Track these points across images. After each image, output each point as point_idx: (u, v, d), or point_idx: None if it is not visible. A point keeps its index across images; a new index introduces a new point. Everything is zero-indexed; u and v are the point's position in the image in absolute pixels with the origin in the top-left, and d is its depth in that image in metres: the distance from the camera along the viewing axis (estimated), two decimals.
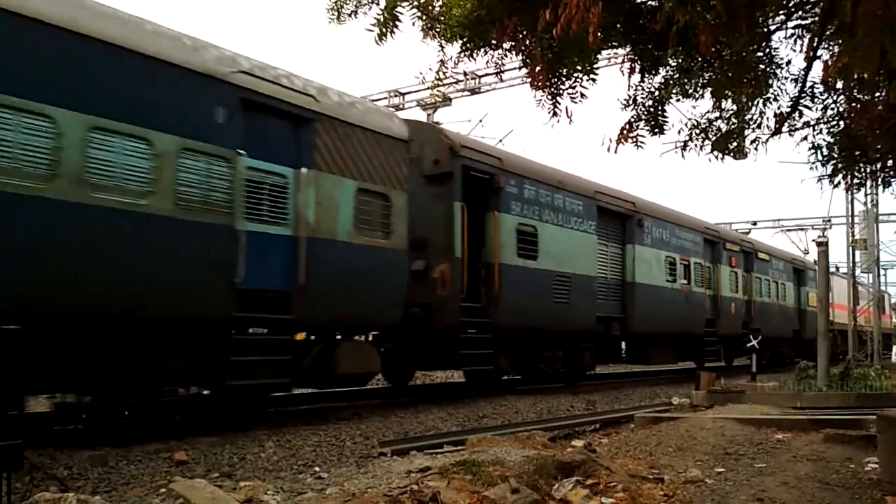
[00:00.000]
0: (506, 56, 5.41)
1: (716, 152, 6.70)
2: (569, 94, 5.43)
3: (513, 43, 5.11)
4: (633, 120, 6.02)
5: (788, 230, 32.48)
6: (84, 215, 6.97)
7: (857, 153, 7.29)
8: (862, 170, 8.57)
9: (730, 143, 6.67)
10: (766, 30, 5.93)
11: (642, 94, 6.06)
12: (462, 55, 5.23)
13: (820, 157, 7.36)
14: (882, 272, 34.11)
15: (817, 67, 6.29)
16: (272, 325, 9.05)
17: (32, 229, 6.71)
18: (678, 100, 6.26)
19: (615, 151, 5.90)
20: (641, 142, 5.95)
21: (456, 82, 22.13)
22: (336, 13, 4.97)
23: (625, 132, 5.93)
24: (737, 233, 23.98)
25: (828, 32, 5.76)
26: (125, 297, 7.44)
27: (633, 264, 16.30)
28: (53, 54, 6.93)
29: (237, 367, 8.44)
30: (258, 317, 8.86)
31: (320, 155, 9.36)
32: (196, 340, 8.36)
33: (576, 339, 14.71)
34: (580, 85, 5.39)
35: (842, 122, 7.02)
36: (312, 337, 9.96)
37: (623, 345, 17.51)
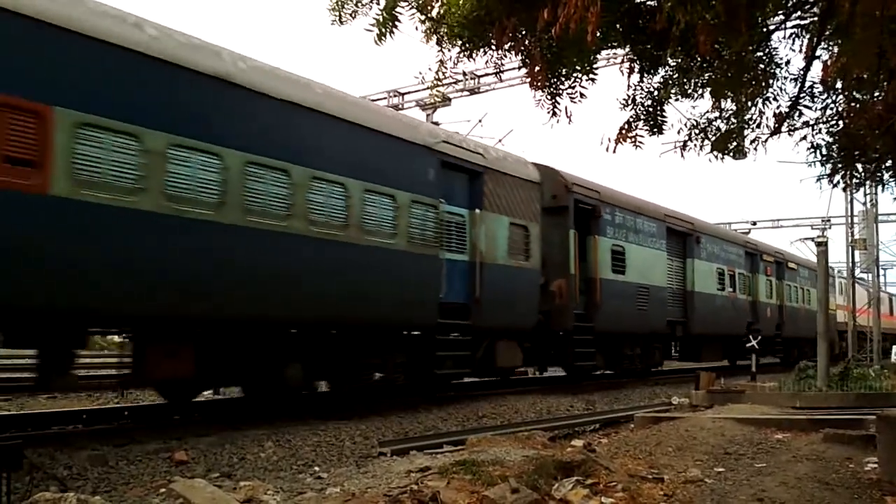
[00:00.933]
0: (505, 56, 5.41)
1: (715, 152, 6.70)
2: (568, 93, 5.42)
3: (512, 43, 5.10)
4: (631, 120, 6.02)
5: (810, 239, 33.06)
6: (367, 252, 10.22)
7: (857, 153, 7.28)
8: (861, 170, 8.56)
9: (729, 143, 6.66)
10: (765, 30, 5.93)
11: (641, 94, 6.06)
12: (461, 55, 5.23)
13: (819, 157, 7.35)
14: (881, 272, 34.14)
15: (816, 67, 6.30)
16: (458, 329, 11.87)
17: (360, 268, 10.15)
18: (677, 99, 6.26)
19: (614, 151, 5.90)
20: (640, 142, 5.95)
21: (455, 82, 22.08)
22: (337, 14, 4.97)
23: (623, 132, 5.92)
24: (771, 245, 26.78)
25: (827, 32, 5.76)
26: (388, 309, 10.65)
27: (692, 275, 19.24)
28: (356, 143, 10.25)
29: (439, 360, 11.55)
30: (451, 323, 11.73)
31: (487, 199, 12.45)
32: (415, 341, 11.67)
33: (649, 340, 17.50)
34: (579, 85, 5.38)
35: (841, 122, 7.02)
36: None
37: (676, 345, 20.39)
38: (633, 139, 5.93)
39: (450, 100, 23.98)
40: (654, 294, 17.09)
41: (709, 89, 6.19)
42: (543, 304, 13.71)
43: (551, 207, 14.23)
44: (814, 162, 7.46)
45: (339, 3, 4.94)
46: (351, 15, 4.94)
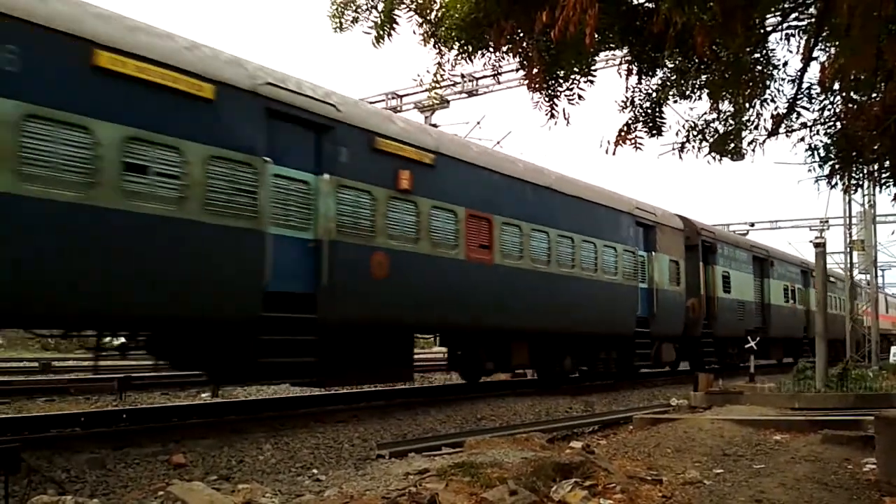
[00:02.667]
0: (503, 58, 5.40)
1: (713, 153, 6.71)
2: (566, 95, 5.42)
3: (510, 45, 5.10)
4: (630, 122, 6.02)
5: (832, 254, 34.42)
6: (601, 286, 15.31)
7: (854, 154, 7.28)
8: (859, 171, 8.56)
9: (727, 145, 6.67)
10: (762, 31, 5.94)
11: (640, 95, 6.07)
12: (459, 57, 5.22)
13: (817, 158, 7.35)
14: (880, 273, 34.18)
15: (814, 68, 6.30)
16: (641, 335, 16.58)
17: (597, 297, 15.12)
18: (675, 101, 6.26)
19: (613, 153, 5.91)
20: (639, 143, 5.96)
21: (453, 84, 22.16)
22: (338, 22, 4.97)
23: (623, 134, 5.93)
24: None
25: (824, 34, 5.77)
26: (609, 324, 15.70)
27: (769, 292, 24.22)
28: (582, 210, 15.15)
29: (636, 356, 16.62)
30: (639, 331, 16.50)
31: (658, 244, 17.56)
32: (621, 343, 16.37)
33: (741, 342, 20.35)
34: (577, 87, 5.38)
35: (839, 123, 7.02)
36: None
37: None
38: (632, 141, 5.93)
39: (448, 102, 24.01)
40: (747, 307, 22.41)
41: (707, 91, 6.19)
42: (684, 317, 18.82)
43: (688, 246, 19.19)
44: (812, 163, 7.46)
45: (340, 10, 4.94)
46: (352, 22, 4.94)
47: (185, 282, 7.95)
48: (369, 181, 10.05)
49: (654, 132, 6.11)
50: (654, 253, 17.28)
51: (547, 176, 14.19)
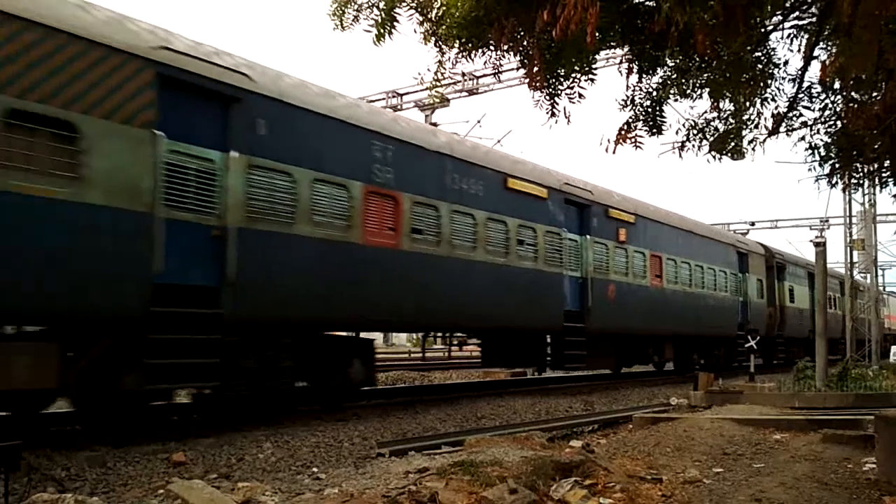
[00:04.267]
0: (503, 57, 5.40)
1: (713, 152, 6.71)
2: (567, 94, 5.41)
3: (511, 44, 5.09)
4: (631, 120, 6.02)
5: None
6: (705, 298, 19.86)
7: (855, 153, 7.29)
8: (859, 170, 8.57)
9: (727, 144, 6.67)
10: (763, 30, 5.94)
11: (640, 94, 6.06)
12: (460, 56, 5.22)
13: (817, 157, 7.36)
14: (880, 272, 34.16)
15: (815, 67, 6.31)
16: (740, 337, 20.87)
17: (704, 307, 19.94)
18: (676, 100, 6.26)
19: (613, 152, 5.91)
20: (640, 142, 5.96)
21: (454, 83, 22.11)
22: (338, 20, 4.97)
23: (623, 132, 5.93)
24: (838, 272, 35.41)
25: (825, 32, 5.76)
26: (717, 328, 20.55)
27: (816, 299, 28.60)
28: (706, 247, 20.59)
29: (737, 353, 21.16)
30: (739, 333, 21.18)
31: (749, 267, 22.79)
32: (727, 343, 21.34)
33: (803, 342, 25.66)
34: (578, 85, 5.37)
35: (839, 122, 7.02)
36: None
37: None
38: (632, 140, 5.93)
39: (448, 100, 23.97)
40: (804, 314, 26.61)
41: (707, 90, 6.19)
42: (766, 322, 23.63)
43: (767, 266, 24.31)
44: (812, 162, 7.46)
45: (340, 8, 4.93)
46: (353, 21, 4.94)
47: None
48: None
49: (655, 131, 6.12)
50: (747, 274, 22.67)
51: (687, 221, 20.22)
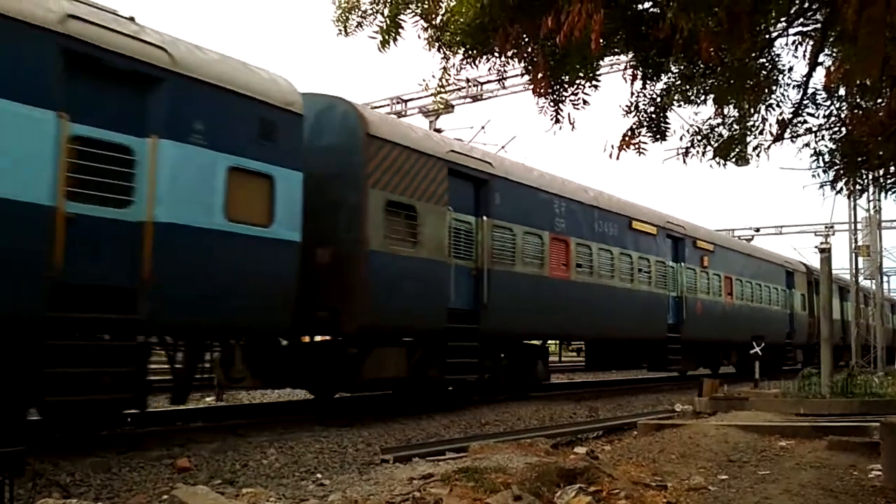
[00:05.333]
0: (508, 63, 5.41)
1: (718, 158, 6.70)
2: (571, 100, 5.42)
3: (515, 50, 5.10)
4: (634, 126, 6.02)
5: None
6: (767, 312, 24.17)
7: (860, 159, 7.27)
8: (864, 176, 8.55)
9: (732, 150, 6.66)
10: (767, 36, 5.93)
11: (644, 100, 6.07)
12: (464, 62, 5.23)
13: (822, 164, 7.34)
14: (885, 279, 34.08)
15: (819, 74, 6.30)
16: (788, 344, 24.96)
17: (765, 319, 23.62)
18: (680, 106, 6.26)
19: (617, 158, 5.91)
20: (643, 148, 5.96)
21: (458, 89, 22.17)
22: (343, 26, 4.98)
23: (627, 139, 5.93)
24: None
25: (830, 39, 5.76)
26: (775, 335, 23.39)
27: (846, 311, 30.18)
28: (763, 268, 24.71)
29: (786, 358, 24.80)
30: (787, 341, 25.12)
31: (795, 284, 26.16)
32: (777, 349, 23.38)
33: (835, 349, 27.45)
34: (582, 91, 5.38)
35: (844, 129, 7.01)
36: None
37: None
38: (636, 146, 5.93)
39: (453, 107, 24.01)
40: (835, 325, 25.98)
41: (711, 96, 6.19)
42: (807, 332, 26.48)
43: (808, 282, 27.04)
44: (817, 168, 7.45)
45: (344, 14, 4.95)
46: (357, 27, 4.96)
47: None
48: None
49: (659, 137, 6.12)
50: (793, 289, 25.97)
51: (748, 247, 25.92)
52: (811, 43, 6.01)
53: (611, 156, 5.88)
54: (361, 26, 4.98)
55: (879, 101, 6.48)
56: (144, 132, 7.53)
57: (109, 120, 7.36)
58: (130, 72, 7.50)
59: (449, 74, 5.30)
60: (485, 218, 12.06)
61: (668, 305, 17.69)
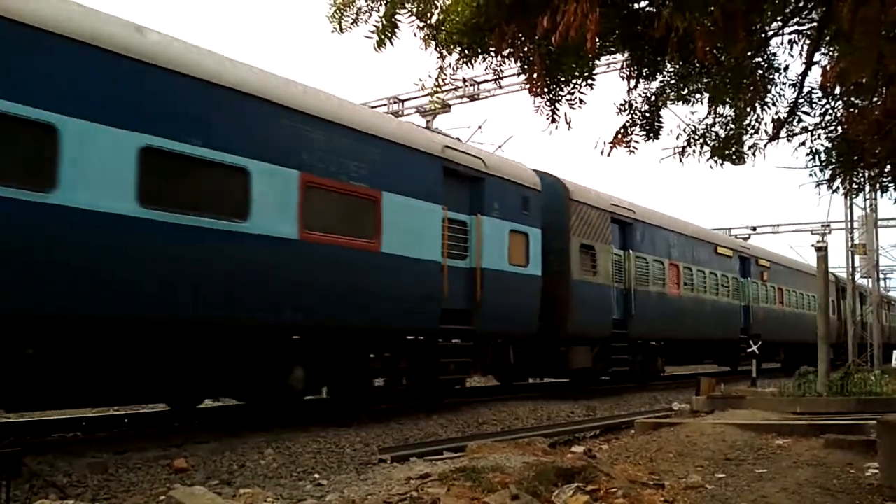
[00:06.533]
0: (504, 62, 5.40)
1: (714, 158, 6.71)
2: (567, 100, 5.42)
3: (511, 49, 5.10)
4: (627, 124, 6.03)
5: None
6: (797, 317, 27.28)
7: (855, 158, 7.28)
8: (860, 175, 8.56)
9: (728, 149, 6.67)
10: (763, 35, 5.94)
11: (638, 99, 6.07)
12: (461, 62, 5.22)
13: (818, 163, 7.35)
14: (882, 277, 34.15)
15: (815, 73, 6.31)
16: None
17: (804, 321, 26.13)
18: (674, 104, 6.27)
19: (608, 155, 5.92)
20: (635, 146, 5.96)
21: (455, 89, 22.15)
22: (337, 23, 4.97)
23: (619, 136, 5.93)
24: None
25: (825, 38, 5.77)
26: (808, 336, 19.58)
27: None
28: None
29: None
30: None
31: (847, 296, 29.27)
32: (810, 349, 19.86)
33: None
34: (579, 91, 5.37)
35: (840, 128, 7.02)
36: None
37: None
38: (627, 144, 5.94)
39: (449, 106, 23.96)
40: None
41: (707, 95, 6.19)
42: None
43: (836, 289, 28.72)
44: (813, 167, 7.46)
45: (339, 11, 4.94)
46: (351, 23, 4.95)
47: None
48: None
49: (652, 135, 6.12)
50: (844, 301, 29.67)
51: (793, 262, 28.40)
52: (807, 42, 6.02)
53: (602, 152, 5.89)
54: (357, 23, 4.97)
55: (875, 99, 6.49)
56: (472, 212, 11.95)
57: (458, 206, 11.72)
58: (468, 176, 11.95)
59: (445, 74, 5.29)
60: (630, 251, 16.46)
61: (740, 313, 22.37)
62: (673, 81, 6.05)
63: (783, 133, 6.74)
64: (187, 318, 7.84)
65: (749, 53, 5.79)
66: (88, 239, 6.95)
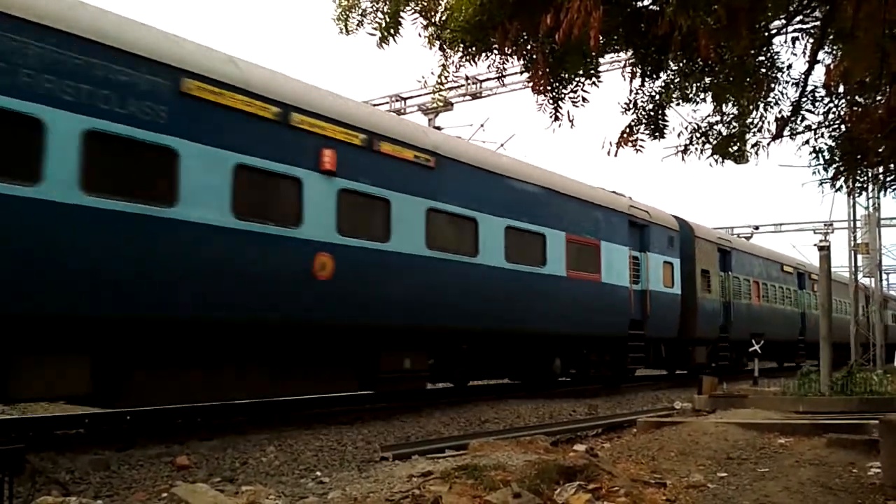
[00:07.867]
0: (507, 60, 5.40)
1: (717, 156, 6.70)
2: (570, 98, 5.41)
3: (514, 47, 5.10)
4: (633, 123, 6.03)
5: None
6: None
7: (859, 157, 7.26)
8: (863, 174, 8.54)
9: (731, 147, 6.66)
10: (766, 34, 5.94)
11: (643, 97, 6.07)
12: (463, 60, 5.22)
13: (821, 161, 7.33)
14: (884, 276, 34.14)
15: (818, 71, 6.30)
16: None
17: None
18: (678, 103, 6.26)
19: (615, 155, 5.92)
20: (641, 145, 5.96)
21: (457, 87, 22.15)
22: (343, 24, 4.98)
23: (625, 136, 5.93)
24: None
25: (829, 36, 5.76)
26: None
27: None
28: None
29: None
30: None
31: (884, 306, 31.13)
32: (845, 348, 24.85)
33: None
34: (582, 89, 5.37)
35: (843, 126, 7.01)
36: None
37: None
38: (633, 143, 5.93)
39: (452, 104, 23.95)
40: (890, 330, 32.18)
41: (710, 93, 6.19)
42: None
43: (864, 297, 30.44)
44: (816, 166, 7.45)
45: (345, 13, 4.94)
46: (357, 25, 4.95)
47: None
48: None
49: (657, 134, 6.12)
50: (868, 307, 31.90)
51: (839, 275, 29.08)
52: (810, 40, 6.01)
53: (609, 153, 5.88)
54: (362, 25, 4.97)
55: (878, 98, 6.47)
56: (642, 249, 16.78)
57: (634, 246, 16.47)
58: (639, 224, 16.78)
59: (448, 72, 5.29)
60: (730, 273, 21.34)
61: (798, 318, 26.76)
62: (676, 80, 6.04)
63: (786, 132, 6.73)
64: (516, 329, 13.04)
65: (752, 52, 5.79)
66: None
